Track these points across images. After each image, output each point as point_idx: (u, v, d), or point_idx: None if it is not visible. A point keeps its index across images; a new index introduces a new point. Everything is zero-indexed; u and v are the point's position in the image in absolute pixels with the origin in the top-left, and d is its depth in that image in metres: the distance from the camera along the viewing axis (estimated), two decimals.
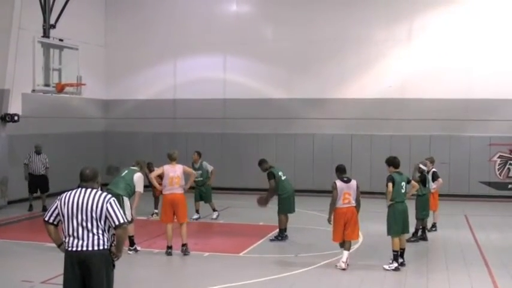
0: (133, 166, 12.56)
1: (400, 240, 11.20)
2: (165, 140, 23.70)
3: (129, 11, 24.68)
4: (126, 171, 12.41)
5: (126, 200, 11.83)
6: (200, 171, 16.56)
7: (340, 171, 11.45)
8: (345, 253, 11.13)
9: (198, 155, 16.79)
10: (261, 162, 14.45)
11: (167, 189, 12.26)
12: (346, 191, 11.12)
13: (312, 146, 22.80)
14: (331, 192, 11.11)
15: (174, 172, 12.26)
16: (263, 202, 14.00)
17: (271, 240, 13.92)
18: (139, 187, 12.12)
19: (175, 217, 12.30)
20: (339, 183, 11.17)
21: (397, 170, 11.38)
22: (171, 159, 12.44)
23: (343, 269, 10.97)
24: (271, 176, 13.88)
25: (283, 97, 23.05)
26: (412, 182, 11.45)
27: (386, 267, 10.99)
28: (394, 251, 11.10)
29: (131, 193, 12.16)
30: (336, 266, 11.15)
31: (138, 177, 12.19)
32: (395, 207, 11.23)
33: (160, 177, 12.65)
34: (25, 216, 17.26)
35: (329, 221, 11.30)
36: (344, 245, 11.20)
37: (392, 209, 11.24)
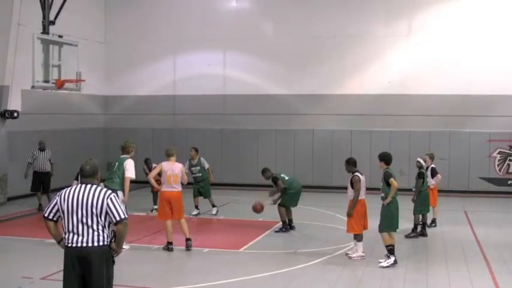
0: (122, 155, 12.33)
1: (392, 235, 11.18)
2: (165, 136, 23.72)
3: (129, 7, 24.64)
4: (117, 164, 12.18)
5: (120, 194, 11.77)
6: (198, 167, 16.63)
7: (354, 164, 11.59)
8: (360, 244, 11.51)
9: (196, 151, 16.82)
10: (264, 171, 14.87)
11: (164, 186, 12.28)
12: (363, 183, 11.44)
13: (312, 141, 22.79)
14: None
15: (172, 170, 12.25)
16: (273, 198, 14.49)
17: (276, 231, 14.28)
18: (128, 172, 11.96)
19: (172, 214, 12.28)
20: (361, 176, 11.37)
21: (388, 166, 11.30)
22: (168, 155, 12.46)
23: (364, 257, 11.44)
24: (276, 180, 14.34)
25: (283, 93, 23.04)
26: (391, 180, 11.07)
27: (384, 264, 10.90)
28: (390, 245, 11.00)
29: None
30: (352, 257, 11.51)
31: (127, 163, 12.05)
32: (395, 203, 11.20)
33: (159, 174, 12.66)
34: (24, 213, 17.24)
35: (351, 214, 11.36)
36: (359, 236, 11.51)
37: (392, 205, 11.15)
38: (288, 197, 14.35)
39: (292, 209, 14.61)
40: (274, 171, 15.34)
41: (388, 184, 11.07)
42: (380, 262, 11.00)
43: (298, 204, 14.75)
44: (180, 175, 12.30)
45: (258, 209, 14.26)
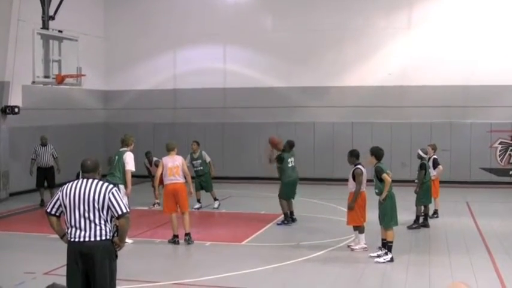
0: (122, 148, 12.38)
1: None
2: (166, 130, 23.71)
3: (129, 2, 24.58)
4: (117, 158, 12.22)
5: (122, 187, 11.79)
6: (199, 161, 16.64)
7: (357, 156, 11.55)
8: (362, 236, 11.53)
9: (197, 145, 16.84)
10: (279, 143, 14.82)
11: (167, 179, 12.30)
12: (364, 176, 11.41)
13: (313, 134, 22.79)
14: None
15: (173, 162, 12.31)
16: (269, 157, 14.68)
17: (279, 224, 14.26)
18: (128, 165, 12.03)
19: (178, 207, 12.33)
20: (363, 169, 11.34)
21: (379, 161, 11.08)
22: (168, 149, 12.52)
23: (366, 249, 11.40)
24: (281, 160, 14.41)
25: (284, 86, 23.02)
26: (384, 175, 10.85)
27: (381, 260, 10.71)
28: (390, 242, 10.81)
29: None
30: (354, 249, 11.52)
31: (126, 156, 12.11)
32: (392, 198, 11.02)
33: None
34: (26, 208, 17.24)
35: (352, 207, 11.35)
36: (361, 228, 11.52)
37: (390, 199, 10.97)
38: (283, 188, 14.34)
39: (293, 201, 14.61)
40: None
41: (381, 180, 10.89)
42: (374, 257, 10.84)
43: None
44: (181, 167, 12.32)
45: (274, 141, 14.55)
